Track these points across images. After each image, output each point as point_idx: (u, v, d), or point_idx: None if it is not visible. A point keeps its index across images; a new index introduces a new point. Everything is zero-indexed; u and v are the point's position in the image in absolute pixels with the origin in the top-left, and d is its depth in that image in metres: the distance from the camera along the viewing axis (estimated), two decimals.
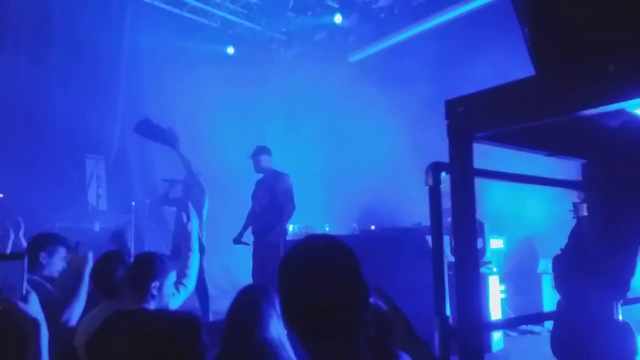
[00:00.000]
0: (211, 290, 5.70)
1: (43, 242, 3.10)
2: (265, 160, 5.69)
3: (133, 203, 7.59)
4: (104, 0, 7.62)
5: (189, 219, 3.04)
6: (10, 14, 7.32)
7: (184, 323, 1.22)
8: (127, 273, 2.65)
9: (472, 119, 1.43)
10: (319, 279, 1.15)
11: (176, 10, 8.20)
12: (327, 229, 6.23)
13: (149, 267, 2.47)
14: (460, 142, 1.41)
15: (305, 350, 1.19)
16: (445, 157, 1.49)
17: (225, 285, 7.12)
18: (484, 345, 1.32)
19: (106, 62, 7.69)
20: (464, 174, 1.39)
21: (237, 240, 5.77)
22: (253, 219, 5.71)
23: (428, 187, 1.47)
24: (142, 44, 8.18)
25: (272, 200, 5.52)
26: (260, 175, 5.78)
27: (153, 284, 2.44)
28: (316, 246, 1.24)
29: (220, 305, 2.06)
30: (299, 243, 1.26)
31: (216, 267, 5.91)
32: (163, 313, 1.53)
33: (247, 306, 2.07)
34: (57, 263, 3.08)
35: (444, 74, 6.16)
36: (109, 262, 2.75)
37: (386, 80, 7.34)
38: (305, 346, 1.18)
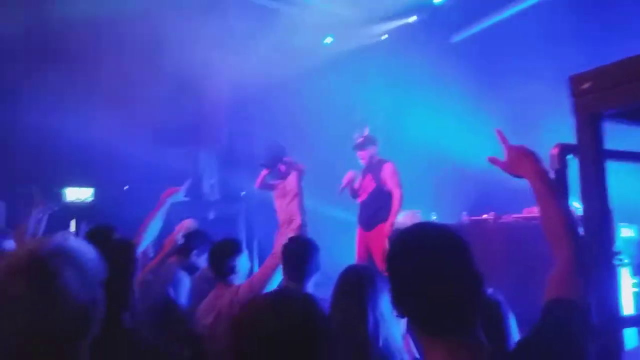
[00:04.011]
0: (316, 277, 5.60)
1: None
2: (372, 151, 5.64)
3: (243, 192, 7.94)
4: None
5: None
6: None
7: None
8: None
9: (601, 95, 1.31)
10: (428, 270, 1.12)
11: (273, 5, 8.25)
12: (434, 217, 6.02)
13: None
14: (588, 121, 1.31)
15: (418, 340, 1.17)
16: (568, 139, 1.38)
17: (331, 271, 7.14)
18: (622, 342, 1.21)
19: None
20: (593, 155, 1.28)
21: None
22: (360, 208, 5.68)
23: (554, 171, 1.36)
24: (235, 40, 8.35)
25: (378, 188, 5.48)
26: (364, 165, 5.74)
27: None
28: (425, 235, 1.20)
29: (327, 292, 2.15)
30: (407, 232, 1.23)
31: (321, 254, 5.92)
32: None
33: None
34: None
35: (561, 50, 5.67)
36: (226, 248, 2.95)
37: (493, 59, 6.95)
38: (417, 337, 1.16)
